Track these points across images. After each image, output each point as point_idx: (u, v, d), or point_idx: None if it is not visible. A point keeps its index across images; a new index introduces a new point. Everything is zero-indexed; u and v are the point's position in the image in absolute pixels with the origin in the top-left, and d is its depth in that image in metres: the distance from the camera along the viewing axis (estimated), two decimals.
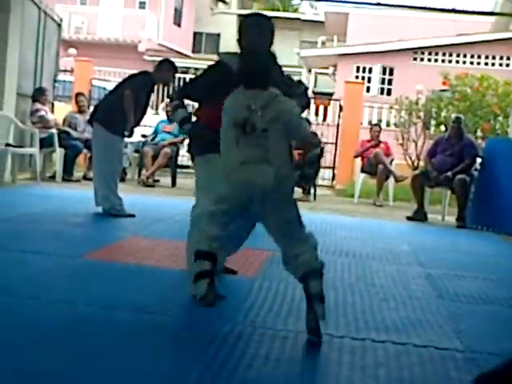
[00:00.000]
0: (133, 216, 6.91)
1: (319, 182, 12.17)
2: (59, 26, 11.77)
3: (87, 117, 11.13)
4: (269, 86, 3.30)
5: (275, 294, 4.11)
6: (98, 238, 5.75)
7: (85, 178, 10.92)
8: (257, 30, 3.92)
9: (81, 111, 11.12)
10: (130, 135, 7.08)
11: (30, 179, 9.75)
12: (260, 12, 5.02)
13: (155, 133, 11.56)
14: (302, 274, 3.20)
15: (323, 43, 28.94)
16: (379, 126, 11.85)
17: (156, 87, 7.70)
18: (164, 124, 11.52)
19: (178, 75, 19.10)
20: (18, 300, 3.53)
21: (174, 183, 11.19)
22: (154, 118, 12.73)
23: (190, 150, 4.22)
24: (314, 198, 10.86)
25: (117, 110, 6.71)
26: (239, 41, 3.96)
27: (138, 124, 7.03)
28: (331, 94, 21.07)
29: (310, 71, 27.21)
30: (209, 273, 3.24)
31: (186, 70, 24.36)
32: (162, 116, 12.58)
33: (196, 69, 25.94)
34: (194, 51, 31.05)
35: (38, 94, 10.21)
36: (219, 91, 3.56)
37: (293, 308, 3.79)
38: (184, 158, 11.62)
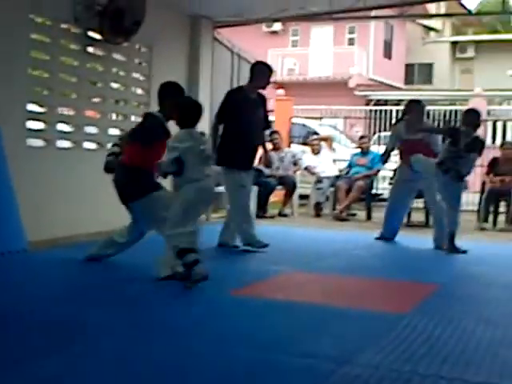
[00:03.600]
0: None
1: None
2: None
3: (281, 154, 11.39)
4: None
5: (419, 334, 3.75)
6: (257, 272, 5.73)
7: (280, 214, 11.08)
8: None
9: (275, 149, 11.34)
10: None
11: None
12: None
13: (349, 166, 11.44)
14: None
15: None
16: None
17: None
18: (358, 157, 11.36)
19: (390, 108, 19.05)
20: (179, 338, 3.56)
21: (369, 216, 10.94)
22: (348, 152, 12.66)
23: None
24: None
25: None
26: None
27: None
28: None
29: None
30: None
31: (398, 103, 23.99)
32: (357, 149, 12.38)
33: None
34: (406, 83, 30.57)
35: None
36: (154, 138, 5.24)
37: (432, 350, 3.43)
38: (379, 190, 11.41)
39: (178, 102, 5.14)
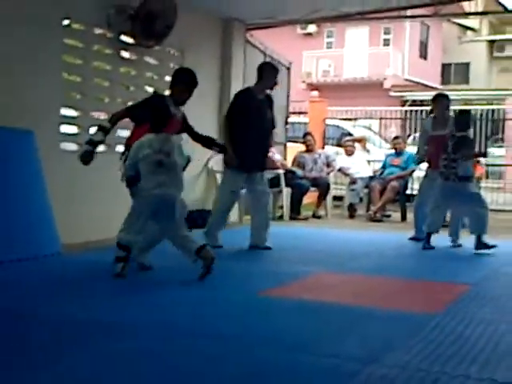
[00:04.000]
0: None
1: None
2: (288, 69, 12.13)
3: (315, 156, 11.36)
4: None
5: (449, 335, 3.70)
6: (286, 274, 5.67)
7: (314, 216, 11.05)
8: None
9: (308, 150, 11.33)
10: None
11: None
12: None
13: (383, 167, 11.38)
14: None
15: None
16: None
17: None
18: (392, 158, 11.29)
19: (426, 108, 18.76)
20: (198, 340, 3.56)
21: (403, 217, 10.86)
22: (383, 153, 12.59)
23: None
24: None
25: None
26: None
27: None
28: None
29: None
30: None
31: None
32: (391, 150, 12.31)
33: None
34: (442, 83, 30.27)
35: None
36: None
37: (461, 351, 3.38)
38: (414, 190, 11.29)
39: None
